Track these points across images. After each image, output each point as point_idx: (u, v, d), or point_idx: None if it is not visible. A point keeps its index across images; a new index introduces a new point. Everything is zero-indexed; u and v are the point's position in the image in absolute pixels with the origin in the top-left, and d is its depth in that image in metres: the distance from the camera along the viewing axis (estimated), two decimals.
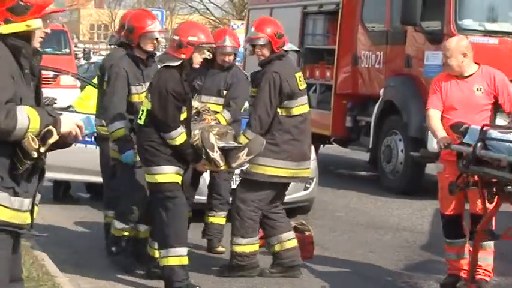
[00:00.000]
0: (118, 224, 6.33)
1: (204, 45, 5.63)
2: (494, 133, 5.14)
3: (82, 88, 12.24)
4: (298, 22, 12.66)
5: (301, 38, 12.56)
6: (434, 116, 5.75)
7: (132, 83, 6.30)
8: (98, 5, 70.43)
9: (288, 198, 7.71)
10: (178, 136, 5.53)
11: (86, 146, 8.35)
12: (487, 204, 5.38)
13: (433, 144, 8.83)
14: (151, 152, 5.60)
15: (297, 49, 6.44)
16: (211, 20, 42.65)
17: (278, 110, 5.94)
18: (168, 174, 5.59)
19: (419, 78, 10.39)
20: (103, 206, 7.18)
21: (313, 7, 12.85)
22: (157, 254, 5.78)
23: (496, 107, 5.81)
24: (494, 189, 5.27)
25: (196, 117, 6.08)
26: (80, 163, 8.35)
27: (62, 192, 9.28)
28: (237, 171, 6.94)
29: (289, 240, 6.15)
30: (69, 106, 9.08)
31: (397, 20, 10.60)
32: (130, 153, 6.13)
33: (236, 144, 5.74)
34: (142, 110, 5.68)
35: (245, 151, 5.70)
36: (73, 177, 8.68)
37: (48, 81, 17.92)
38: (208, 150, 5.58)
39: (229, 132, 5.84)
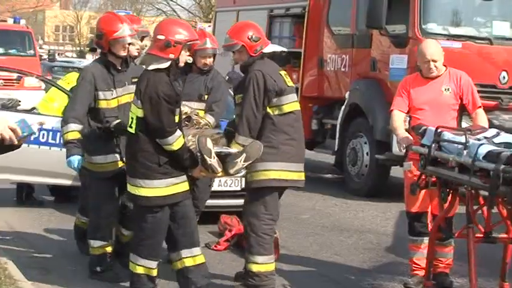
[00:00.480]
0: (94, 243, 6.13)
1: (190, 43, 5.41)
2: (447, 135, 5.30)
3: (47, 90, 12.13)
4: (264, 25, 12.67)
5: None
6: (397, 116, 5.89)
7: (99, 88, 6.03)
8: (63, 6, 69.91)
9: None
10: (176, 141, 5.22)
11: (50, 148, 8.29)
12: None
13: (396, 149, 8.93)
14: (144, 164, 5.27)
15: (282, 49, 6.11)
16: None
17: (269, 110, 5.60)
18: (157, 188, 5.29)
19: (384, 82, 10.49)
20: (78, 209, 7.11)
21: (280, 10, 12.88)
22: None
23: (462, 109, 5.96)
24: (448, 190, 5.42)
25: (186, 122, 5.85)
26: (43, 165, 8.27)
27: (25, 195, 9.19)
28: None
29: None
30: (33, 108, 8.99)
31: (363, 23, 10.68)
32: (77, 159, 5.92)
33: (234, 150, 5.48)
34: (132, 118, 5.35)
35: (243, 156, 5.42)
36: (36, 179, 8.59)
37: (12, 82, 17.75)
38: (205, 156, 5.26)
39: (222, 137, 5.64)
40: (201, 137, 5.34)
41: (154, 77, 5.28)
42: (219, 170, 5.34)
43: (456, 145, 5.18)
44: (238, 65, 5.95)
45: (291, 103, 5.69)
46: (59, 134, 8.29)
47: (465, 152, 5.05)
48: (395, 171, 10.59)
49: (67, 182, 8.47)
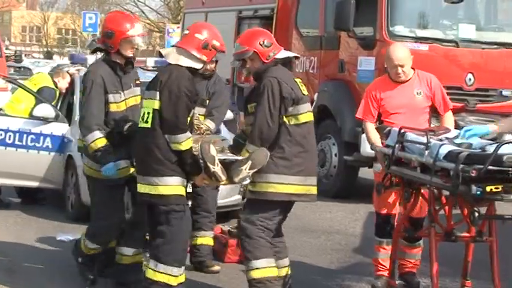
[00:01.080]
0: (90, 244, 5.87)
1: (221, 52, 5.31)
2: (410, 135, 5.37)
3: (13, 91, 12.02)
4: (233, 26, 12.69)
5: None
6: (371, 129, 5.92)
7: (109, 91, 5.74)
8: (30, 6, 69.31)
9: (222, 202, 7.72)
10: (185, 141, 5.06)
11: (16, 150, 8.22)
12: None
13: (366, 149, 8.98)
14: (158, 159, 5.07)
15: (295, 55, 5.68)
16: (147, 23, 42.42)
17: (285, 119, 5.25)
18: (174, 186, 5.11)
19: (352, 83, 10.55)
20: None
21: (248, 12, 12.91)
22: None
23: (432, 110, 6.03)
24: (411, 190, 5.49)
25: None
26: (10, 167, 8.20)
27: None
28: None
29: (284, 268, 5.54)
30: (0, 109, 8.91)
31: (331, 25, 10.73)
32: (111, 166, 5.65)
33: (238, 157, 5.22)
34: (148, 113, 5.13)
35: (248, 164, 5.13)
36: (3, 181, 8.50)
37: None
38: (208, 163, 5.01)
39: (225, 141, 5.40)
40: (204, 143, 5.11)
41: (179, 71, 5.13)
42: (223, 178, 5.13)
43: (418, 145, 5.24)
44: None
45: (306, 113, 5.37)
46: (25, 135, 8.24)
47: (427, 152, 5.12)
48: (364, 173, 10.66)
49: (34, 184, 8.41)
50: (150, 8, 42.47)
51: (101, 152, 5.67)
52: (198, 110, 6.32)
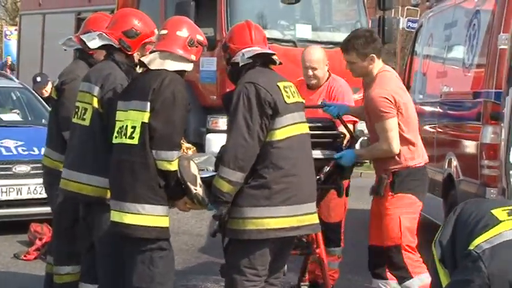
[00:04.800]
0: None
1: (205, 48, 4.54)
2: None
3: None
4: (72, 28, 12.44)
5: None
6: None
7: None
8: None
9: None
10: (175, 160, 4.17)
11: None
12: None
13: (210, 148, 9.07)
14: (145, 182, 4.17)
15: (271, 52, 4.65)
16: None
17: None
18: (160, 216, 4.19)
19: (196, 84, 10.63)
20: (48, 252, 5.87)
21: (88, 13, 12.63)
22: None
23: None
24: None
25: None
26: None
27: None
28: None
29: None
30: None
31: None
32: None
33: None
34: (134, 127, 4.21)
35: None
36: None
37: None
38: (189, 183, 4.19)
39: (209, 162, 4.58)
40: (182, 159, 4.23)
41: (171, 75, 4.29)
42: (206, 200, 4.29)
43: None
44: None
45: (287, 127, 4.33)
46: None
47: None
48: None
49: None
50: None
51: None
52: None
